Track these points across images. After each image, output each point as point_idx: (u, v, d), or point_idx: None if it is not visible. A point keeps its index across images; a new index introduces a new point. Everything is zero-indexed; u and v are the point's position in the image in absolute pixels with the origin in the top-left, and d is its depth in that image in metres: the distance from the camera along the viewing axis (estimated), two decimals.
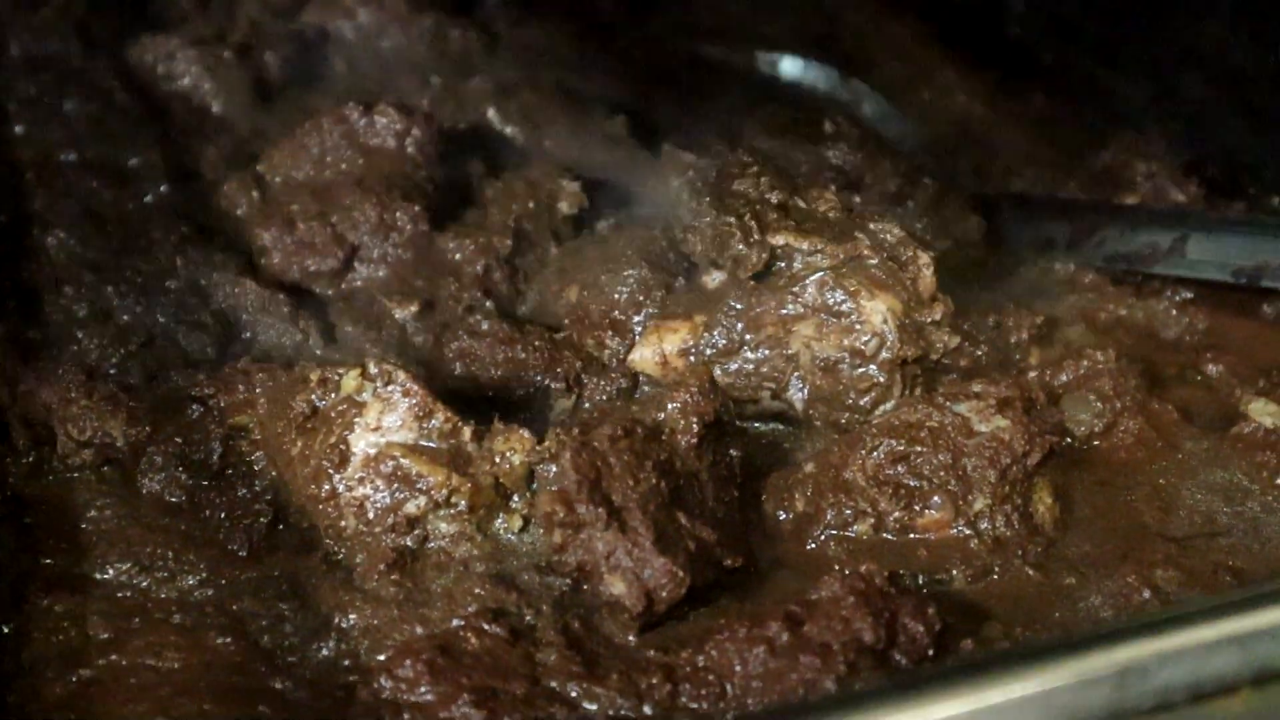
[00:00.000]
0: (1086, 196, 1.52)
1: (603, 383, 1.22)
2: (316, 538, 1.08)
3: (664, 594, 1.00)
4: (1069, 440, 1.18)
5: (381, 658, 0.98)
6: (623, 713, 0.95)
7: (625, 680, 0.96)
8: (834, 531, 1.10)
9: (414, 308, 1.29)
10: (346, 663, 1.00)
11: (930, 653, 0.97)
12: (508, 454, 1.08)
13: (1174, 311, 1.32)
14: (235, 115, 1.54)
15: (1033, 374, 1.22)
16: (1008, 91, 1.74)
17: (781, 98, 1.69)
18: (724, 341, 1.18)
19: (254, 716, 0.95)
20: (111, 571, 1.06)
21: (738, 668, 0.96)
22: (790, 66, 1.82)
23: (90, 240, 1.31)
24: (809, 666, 0.94)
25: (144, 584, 1.05)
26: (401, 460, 1.06)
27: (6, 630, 1.01)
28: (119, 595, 1.04)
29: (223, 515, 1.10)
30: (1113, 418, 1.18)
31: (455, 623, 0.99)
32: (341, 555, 1.07)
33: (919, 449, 1.11)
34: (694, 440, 1.07)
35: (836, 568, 1.02)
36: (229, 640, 1.00)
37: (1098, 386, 1.20)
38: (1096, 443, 1.18)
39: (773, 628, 0.96)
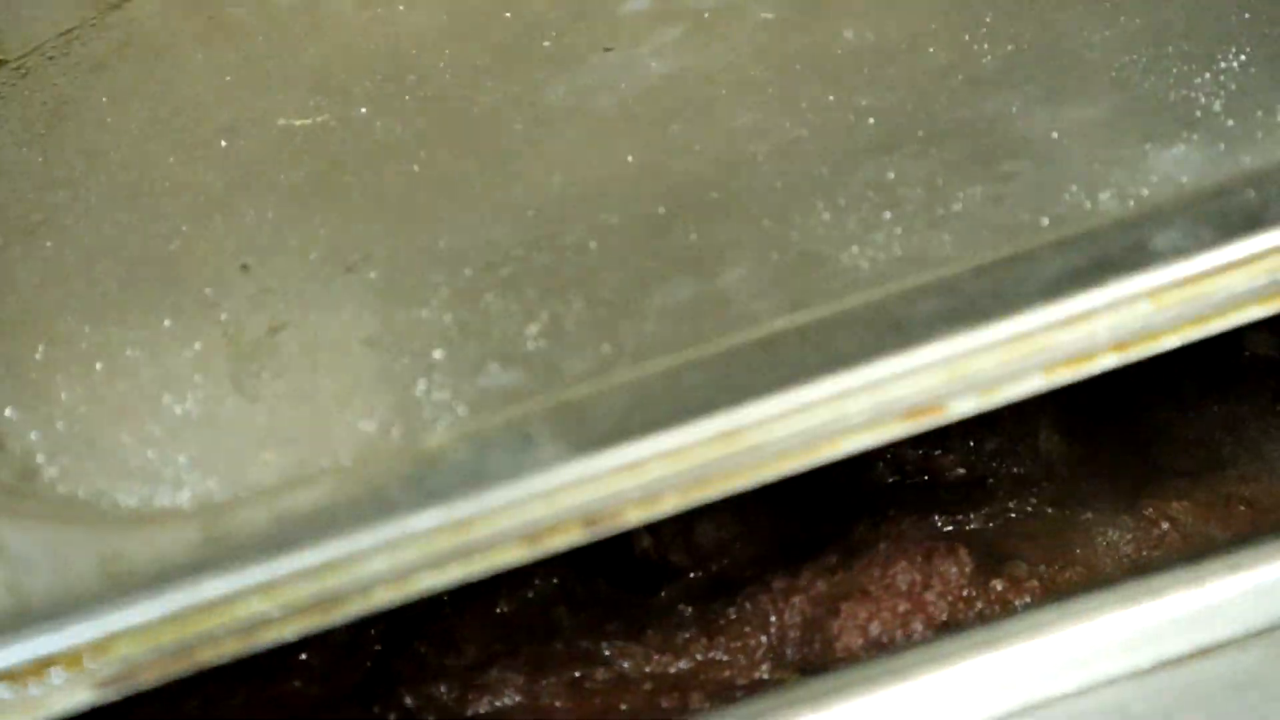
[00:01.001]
0: None
1: None
2: None
3: (695, 544, 0.98)
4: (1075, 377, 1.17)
5: None
6: (659, 669, 0.93)
7: (660, 636, 0.95)
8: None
9: None
10: (373, 631, 0.98)
11: (964, 594, 0.97)
12: None
13: None
14: None
15: None
16: None
17: None
18: None
19: (290, 688, 0.93)
20: None
21: (773, 619, 0.95)
22: None
23: None
24: (847, 614, 0.94)
25: None
26: None
27: None
28: None
29: None
30: None
31: None
32: None
33: None
34: None
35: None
36: None
37: None
38: (1100, 378, 1.18)
39: (806, 576, 0.96)
